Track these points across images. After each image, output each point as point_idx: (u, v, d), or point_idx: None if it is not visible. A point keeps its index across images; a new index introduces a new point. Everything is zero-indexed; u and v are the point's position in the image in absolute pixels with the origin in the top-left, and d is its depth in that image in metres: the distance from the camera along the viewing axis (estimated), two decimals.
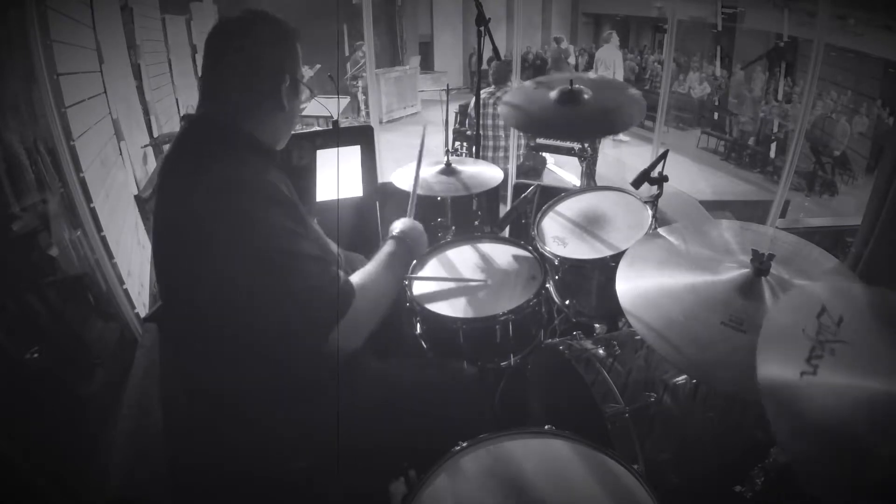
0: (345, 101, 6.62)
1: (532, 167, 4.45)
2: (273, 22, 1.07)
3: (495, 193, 2.13)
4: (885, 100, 6.39)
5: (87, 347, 1.88)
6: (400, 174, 1.79)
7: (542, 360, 1.49)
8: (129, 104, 3.15)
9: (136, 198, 2.83)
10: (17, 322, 1.58)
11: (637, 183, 1.48)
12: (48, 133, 1.85)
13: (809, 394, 0.70)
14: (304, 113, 5.03)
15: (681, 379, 1.22)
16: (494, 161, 3.75)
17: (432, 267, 1.64)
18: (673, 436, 1.17)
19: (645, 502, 0.90)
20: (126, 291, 2.16)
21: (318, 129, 2.69)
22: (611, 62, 7.48)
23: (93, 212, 1.99)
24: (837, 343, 0.75)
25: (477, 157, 2.33)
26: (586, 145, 1.98)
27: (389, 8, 10.53)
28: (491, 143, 3.83)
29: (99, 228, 2.03)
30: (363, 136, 2.20)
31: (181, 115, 4.08)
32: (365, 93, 7.28)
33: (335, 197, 2.07)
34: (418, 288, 1.54)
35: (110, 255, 2.08)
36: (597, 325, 1.62)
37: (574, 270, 1.55)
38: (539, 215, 1.69)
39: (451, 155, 1.83)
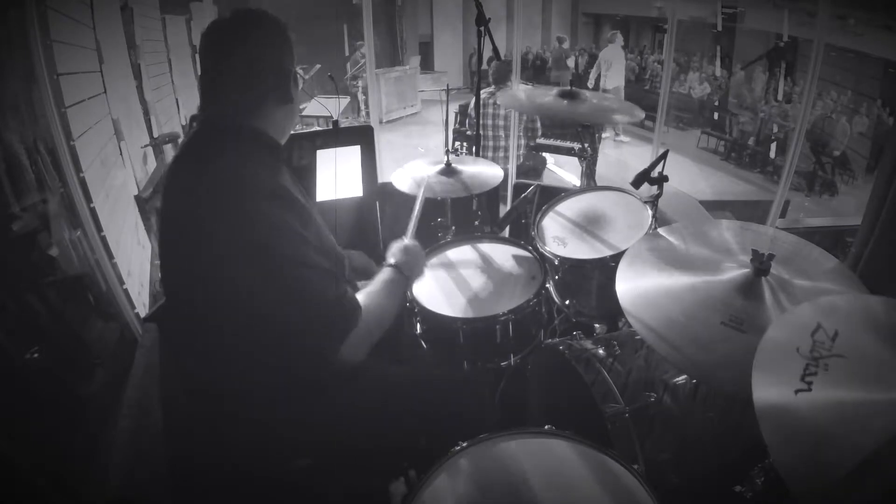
0: (345, 101, 6.62)
1: (532, 167, 4.45)
2: (268, 19, 1.07)
3: (495, 193, 2.13)
4: (885, 100, 6.39)
5: (87, 347, 1.88)
6: (400, 174, 1.79)
7: (542, 360, 1.49)
8: (129, 104, 3.15)
9: (136, 198, 2.83)
10: (17, 322, 1.58)
11: (637, 183, 1.48)
12: (48, 133, 1.85)
13: (805, 412, 0.70)
14: (304, 113, 5.03)
15: (681, 379, 1.22)
16: (494, 161, 3.75)
17: (432, 267, 1.64)
18: (673, 436, 1.17)
19: (645, 502, 0.90)
20: (126, 291, 2.15)
21: (318, 129, 2.69)
22: (614, 62, 7.47)
23: (93, 212, 1.99)
24: (833, 357, 0.75)
25: (477, 156, 2.33)
26: (586, 145, 1.98)
27: (389, 8, 10.53)
28: (491, 143, 3.83)
29: (99, 228, 2.02)
30: (363, 136, 2.20)
31: (182, 115, 4.09)
32: (365, 93, 7.29)
33: (335, 197, 2.07)
34: (418, 288, 1.54)
35: (110, 255, 2.08)
36: (597, 325, 1.62)
37: (574, 270, 1.55)
38: (539, 215, 1.69)
39: (451, 155, 1.83)
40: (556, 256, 1.51)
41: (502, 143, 3.82)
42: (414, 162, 1.86)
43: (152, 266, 2.81)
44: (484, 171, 1.82)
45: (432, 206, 1.86)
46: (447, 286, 1.55)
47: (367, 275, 1.30)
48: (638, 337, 1.34)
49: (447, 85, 3.24)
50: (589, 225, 1.61)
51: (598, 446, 1.00)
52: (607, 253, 1.46)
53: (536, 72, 10.25)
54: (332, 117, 2.46)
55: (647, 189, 1.52)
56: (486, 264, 1.63)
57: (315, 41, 7.33)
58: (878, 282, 1.17)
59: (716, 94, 8.19)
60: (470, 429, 1.06)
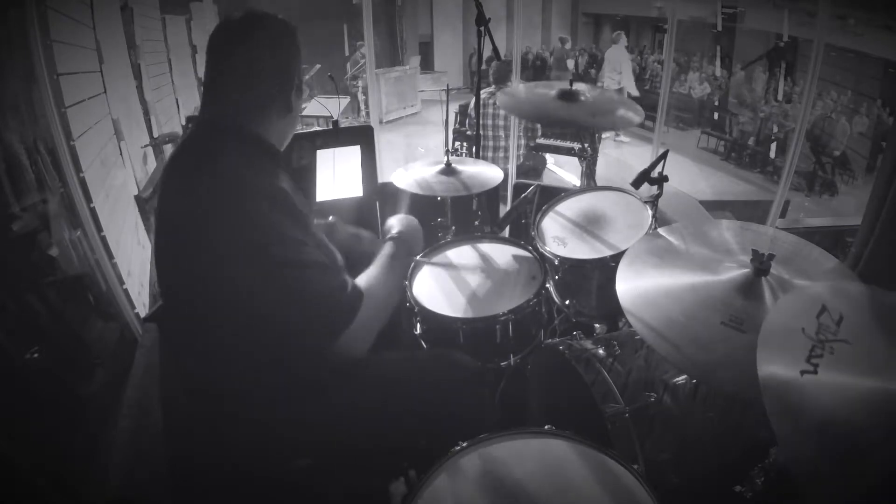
0: (345, 101, 6.62)
1: (532, 167, 4.45)
2: (277, 23, 1.07)
3: (495, 193, 2.13)
4: (885, 100, 6.39)
5: (87, 347, 1.88)
6: (400, 174, 1.79)
7: (542, 360, 1.49)
8: (129, 104, 3.15)
9: (136, 198, 2.84)
10: (17, 322, 1.58)
11: (637, 183, 1.48)
12: (48, 133, 1.85)
13: (810, 392, 0.70)
14: (304, 113, 5.03)
15: (681, 379, 1.22)
16: (494, 161, 3.75)
17: (432, 267, 1.64)
18: (673, 436, 1.17)
19: (645, 502, 0.90)
20: (126, 291, 2.16)
21: (318, 129, 2.69)
22: (619, 63, 7.44)
23: (93, 212, 1.99)
24: (838, 342, 0.75)
25: (477, 157, 2.33)
26: (586, 145, 1.98)
27: (389, 8, 10.53)
28: (491, 143, 3.83)
29: (99, 228, 2.03)
30: (363, 136, 2.20)
31: (182, 115, 4.09)
32: (365, 93, 7.28)
33: (335, 197, 2.07)
34: (418, 288, 1.54)
35: (110, 255, 2.08)
36: (597, 325, 1.62)
37: (574, 270, 1.55)
38: (539, 215, 1.69)
39: (451, 155, 1.83)
40: (556, 256, 1.51)
41: (502, 143, 3.82)
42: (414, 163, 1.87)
43: (152, 266, 2.81)
44: (484, 171, 1.82)
45: (433, 206, 1.87)
46: (447, 286, 1.55)
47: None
48: (638, 337, 1.34)
49: (447, 85, 3.24)
50: (589, 225, 1.61)
51: (598, 446, 1.00)
52: (607, 253, 1.46)
53: (536, 72, 10.26)
54: (332, 117, 2.47)
55: (647, 189, 1.52)
56: (486, 264, 1.63)
57: (315, 41, 7.33)
58: (878, 282, 1.16)
59: (716, 94, 8.19)
60: (470, 429, 1.06)
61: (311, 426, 1.10)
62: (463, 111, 5.42)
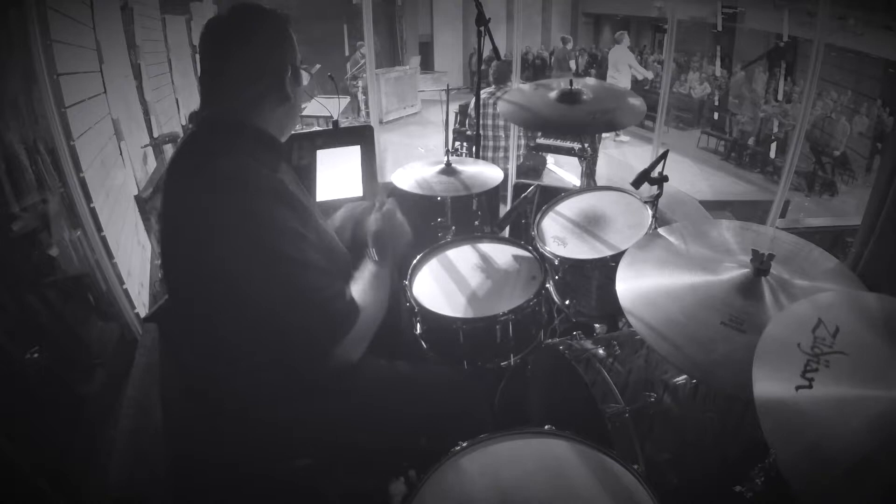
0: (345, 101, 6.61)
1: (532, 167, 4.45)
2: (267, 14, 1.06)
3: (495, 193, 2.13)
4: (885, 100, 6.38)
5: (87, 347, 1.89)
6: (400, 174, 1.79)
7: (542, 360, 1.49)
8: (129, 104, 3.15)
9: (136, 198, 2.83)
10: (17, 322, 1.58)
11: (637, 183, 1.48)
12: (48, 133, 1.85)
13: (806, 408, 0.70)
14: (304, 113, 5.03)
15: (681, 379, 1.22)
16: (494, 161, 3.75)
17: (432, 267, 1.64)
18: (673, 436, 1.17)
19: (645, 502, 0.90)
20: (126, 291, 2.16)
21: (318, 129, 2.69)
22: (622, 64, 7.39)
23: (93, 212, 1.99)
24: (833, 354, 0.75)
25: (477, 157, 2.33)
26: (586, 145, 1.98)
27: (389, 8, 10.53)
28: (491, 143, 3.83)
29: (99, 228, 2.03)
30: (363, 136, 2.20)
31: (182, 115, 4.09)
32: (365, 93, 7.28)
33: (335, 197, 2.07)
34: (418, 288, 1.54)
35: (110, 255, 2.08)
36: (597, 325, 1.62)
37: (574, 270, 1.55)
38: (539, 215, 1.69)
39: (451, 155, 1.83)
40: (556, 256, 1.51)
41: (502, 143, 3.82)
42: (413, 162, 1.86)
43: (152, 266, 2.81)
44: (484, 171, 1.82)
45: (432, 206, 1.87)
46: (447, 286, 1.55)
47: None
48: (638, 337, 1.34)
49: (447, 85, 3.23)
50: (589, 225, 1.61)
51: (598, 446, 1.00)
52: (607, 253, 1.46)
53: (536, 71, 10.25)
54: (332, 117, 2.46)
55: (647, 189, 1.52)
56: (486, 264, 1.63)
57: (315, 41, 7.33)
58: (878, 282, 1.16)
59: (716, 94, 8.19)
60: (470, 429, 1.06)
61: (311, 426, 1.10)
62: (463, 111, 5.42)
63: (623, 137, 7.58)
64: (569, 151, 4.93)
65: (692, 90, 8.48)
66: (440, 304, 1.47)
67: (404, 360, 1.32)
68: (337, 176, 2.10)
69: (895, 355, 0.75)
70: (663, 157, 1.48)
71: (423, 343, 1.52)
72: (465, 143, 5.13)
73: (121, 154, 2.76)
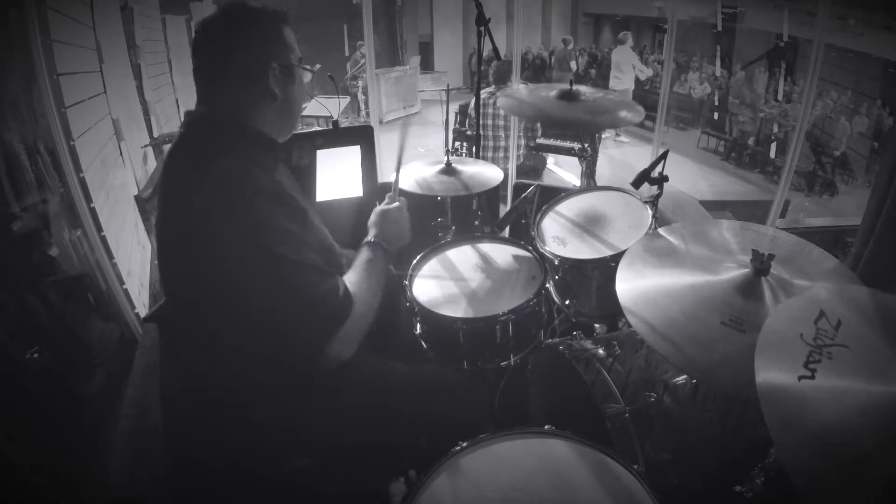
0: (345, 101, 6.61)
1: (532, 167, 4.46)
2: (249, 11, 1.05)
3: (495, 193, 2.13)
4: (885, 100, 6.38)
5: (87, 347, 1.89)
6: (400, 174, 1.79)
7: (542, 360, 1.49)
8: (129, 104, 3.15)
9: (136, 198, 2.84)
10: (17, 322, 1.58)
11: (637, 183, 1.48)
12: (48, 133, 1.85)
13: (808, 398, 0.70)
14: (304, 113, 5.02)
15: (681, 379, 1.22)
16: (494, 161, 3.75)
17: (432, 267, 1.64)
18: (673, 436, 1.17)
19: (645, 502, 0.90)
20: (126, 291, 2.16)
21: (318, 129, 2.69)
22: (626, 65, 7.35)
23: (93, 212, 2.00)
24: (836, 347, 0.75)
25: (477, 157, 2.33)
26: (586, 145, 1.98)
27: (389, 8, 10.54)
28: (491, 143, 3.83)
29: (99, 228, 2.03)
30: (363, 136, 2.20)
31: (182, 115, 4.09)
32: (365, 93, 7.29)
33: (335, 197, 2.07)
34: (418, 288, 1.54)
35: (110, 255, 2.08)
36: (597, 325, 1.62)
37: (574, 270, 1.55)
38: (539, 215, 1.69)
39: (451, 155, 1.83)
40: (556, 256, 1.51)
41: (502, 143, 3.82)
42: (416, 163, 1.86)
43: (152, 266, 2.82)
44: (484, 171, 1.82)
45: (432, 206, 1.86)
46: (447, 286, 1.55)
47: None
48: (638, 337, 1.34)
49: (447, 85, 3.24)
50: (589, 225, 1.61)
51: (598, 446, 1.00)
52: (607, 253, 1.46)
53: (536, 71, 10.26)
54: (332, 117, 2.46)
55: (647, 189, 1.52)
56: (486, 264, 1.63)
57: (315, 41, 7.33)
58: (879, 282, 1.17)
59: (716, 94, 8.19)
60: (470, 429, 1.06)
61: (311, 426, 1.10)
62: (463, 111, 5.42)
63: (623, 137, 7.58)
64: (569, 151, 4.93)
65: (692, 90, 8.48)
66: (440, 304, 1.47)
67: (404, 359, 1.32)
68: (337, 176, 2.10)
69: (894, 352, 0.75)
70: (663, 157, 1.48)
71: (423, 343, 1.52)
72: (465, 143, 5.14)
73: (121, 154, 2.77)
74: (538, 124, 3.95)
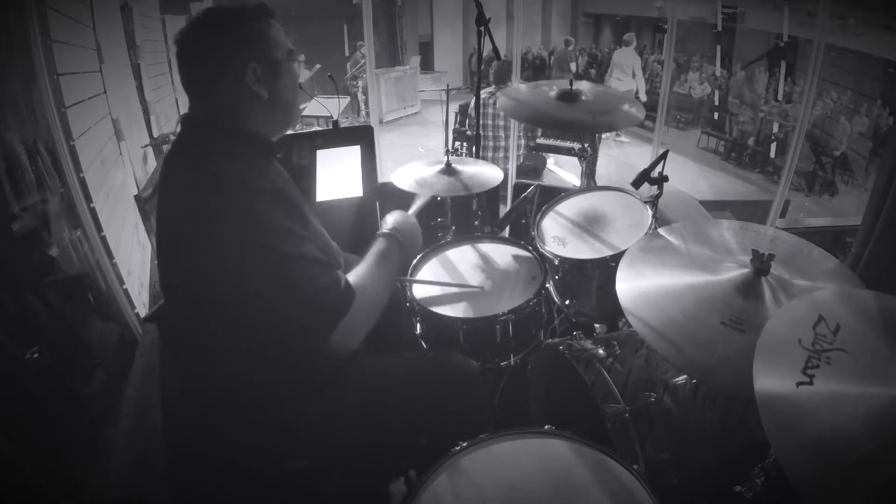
0: (345, 101, 6.61)
1: (532, 167, 4.45)
2: (218, 17, 1.04)
3: (495, 193, 2.13)
4: (885, 100, 6.38)
5: (87, 347, 1.89)
6: (400, 174, 1.79)
7: (542, 360, 1.49)
8: (129, 104, 3.15)
9: (136, 198, 2.84)
10: (17, 322, 1.58)
11: (637, 183, 1.48)
12: (48, 133, 1.85)
13: (806, 404, 0.70)
14: (304, 113, 5.03)
15: (681, 379, 1.22)
16: (494, 161, 3.75)
17: (432, 267, 1.64)
18: (673, 436, 1.17)
19: (645, 502, 0.90)
20: (126, 291, 2.16)
21: (318, 129, 2.69)
22: (629, 66, 7.29)
23: (93, 212, 2.00)
24: (834, 351, 0.75)
25: (477, 157, 2.33)
26: (586, 145, 1.98)
27: (389, 8, 10.54)
28: (491, 143, 3.83)
29: (99, 228, 2.03)
30: (363, 136, 2.20)
31: (180, 115, 4.09)
32: (365, 93, 7.29)
33: (335, 197, 2.07)
34: (418, 288, 1.54)
35: (110, 255, 2.08)
36: (597, 325, 1.62)
37: (574, 270, 1.55)
38: (539, 215, 1.69)
39: (451, 155, 1.83)
40: (556, 256, 1.51)
41: (502, 143, 3.82)
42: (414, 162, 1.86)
43: (152, 266, 2.82)
44: (484, 171, 1.82)
45: (432, 206, 1.86)
46: (446, 288, 1.55)
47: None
48: (638, 337, 1.34)
49: (447, 85, 3.24)
50: (589, 225, 1.61)
51: (598, 446, 1.00)
52: (607, 253, 1.46)
53: (536, 71, 10.25)
54: (332, 117, 2.46)
55: (647, 189, 1.52)
56: (486, 264, 1.63)
57: (315, 41, 7.33)
58: (879, 282, 1.16)
59: (716, 94, 8.19)
60: (470, 429, 1.06)
61: (310, 426, 1.10)
62: (463, 111, 5.42)
63: (623, 137, 7.57)
64: (569, 151, 4.93)
65: (692, 90, 8.47)
66: (440, 304, 1.47)
67: (404, 359, 1.32)
68: (337, 176, 2.10)
69: (895, 354, 0.75)
70: (663, 157, 1.49)
71: (423, 343, 1.52)
72: (465, 143, 5.14)
73: (121, 154, 2.77)
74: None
